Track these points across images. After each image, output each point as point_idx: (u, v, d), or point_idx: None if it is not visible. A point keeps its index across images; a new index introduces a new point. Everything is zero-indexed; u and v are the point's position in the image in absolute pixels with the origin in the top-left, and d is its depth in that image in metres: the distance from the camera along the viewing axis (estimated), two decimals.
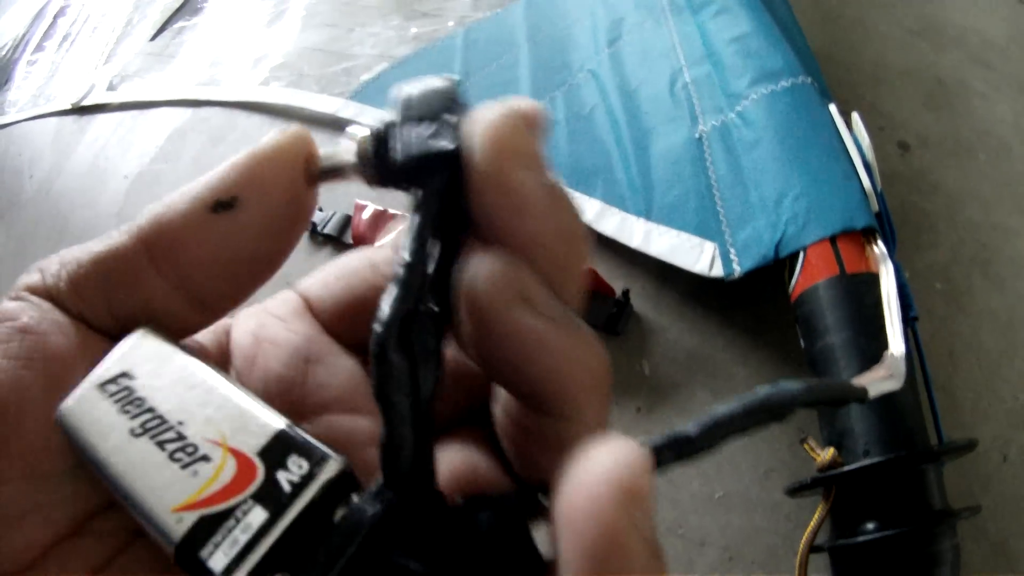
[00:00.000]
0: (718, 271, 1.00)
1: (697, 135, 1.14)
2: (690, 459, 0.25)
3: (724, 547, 0.92)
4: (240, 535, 0.22)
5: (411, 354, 0.23)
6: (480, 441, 0.29)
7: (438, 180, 0.24)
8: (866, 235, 0.90)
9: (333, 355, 0.32)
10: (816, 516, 0.80)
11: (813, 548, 0.80)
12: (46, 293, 0.26)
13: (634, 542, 0.20)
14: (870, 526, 0.77)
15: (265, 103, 1.76)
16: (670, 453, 0.24)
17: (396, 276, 0.24)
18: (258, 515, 0.22)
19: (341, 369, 0.30)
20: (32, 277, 0.27)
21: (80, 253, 0.26)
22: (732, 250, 1.00)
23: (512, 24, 1.62)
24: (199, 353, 0.27)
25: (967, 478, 0.92)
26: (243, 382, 0.30)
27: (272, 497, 0.23)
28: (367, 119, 0.25)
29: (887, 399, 0.81)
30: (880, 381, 0.34)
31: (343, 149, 0.27)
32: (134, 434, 0.24)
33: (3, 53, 2.73)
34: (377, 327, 0.23)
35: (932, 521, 0.75)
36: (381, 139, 0.26)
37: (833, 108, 1.03)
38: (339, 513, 0.23)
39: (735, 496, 0.95)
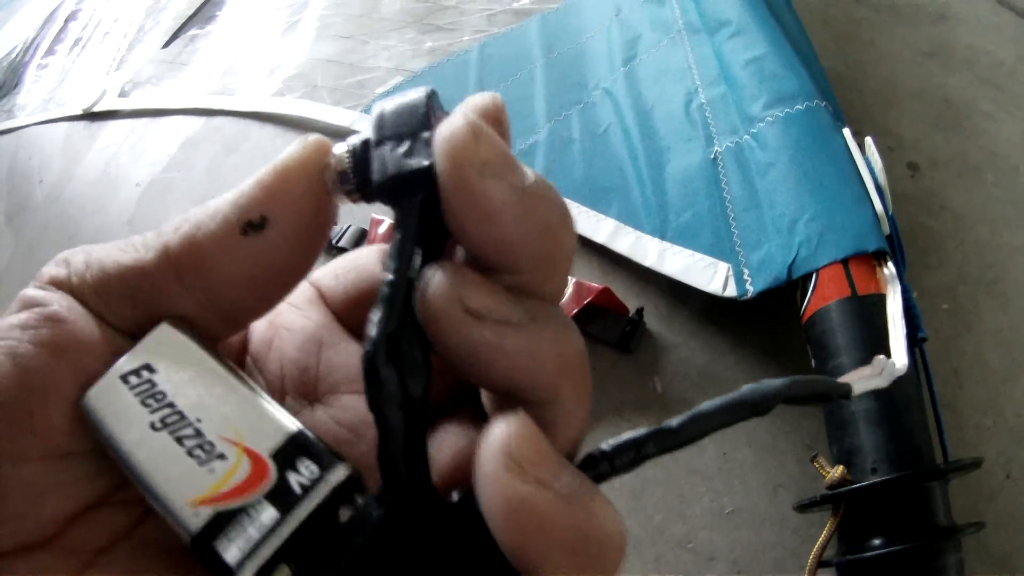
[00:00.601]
0: (731, 291, 1.01)
1: (712, 156, 1.15)
2: (674, 450, 0.27)
3: (733, 561, 0.93)
4: (253, 531, 0.23)
5: (400, 367, 0.25)
6: (477, 420, 0.31)
7: (414, 197, 0.26)
8: (877, 257, 0.91)
9: (344, 340, 0.34)
10: (825, 532, 0.81)
11: (821, 563, 0.81)
12: (69, 290, 0.27)
13: (540, 500, 0.22)
14: (877, 542, 0.78)
15: (279, 114, 1.76)
16: (654, 445, 0.27)
17: (381, 295, 0.25)
18: (270, 514, 0.24)
19: (351, 353, 0.32)
20: (59, 271, 0.27)
21: (106, 260, 0.27)
22: (746, 271, 1.01)
23: (527, 40, 1.63)
24: (219, 348, 0.28)
25: (971, 494, 0.92)
26: (260, 365, 0.32)
27: (283, 497, 0.24)
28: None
29: (895, 419, 0.82)
30: (866, 379, 0.35)
31: (327, 169, 0.28)
32: (154, 428, 0.25)
33: (13, 56, 2.73)
34: (367, 346, 0.25)
35: (937, 537, 0.76)
36: (359, 158, 0.27)
37: (847, 132, 1.04)
38: (345, 514, 0.25)
39: (744, 511, 0.96)
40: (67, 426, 0.26)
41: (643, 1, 1.52)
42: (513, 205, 0.24)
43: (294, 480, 0.24)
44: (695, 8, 1.38)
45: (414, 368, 0.25)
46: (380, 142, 0.27)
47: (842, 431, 0.86)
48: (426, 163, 0.25)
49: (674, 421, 0.27)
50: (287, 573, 0.24)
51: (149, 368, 0.26)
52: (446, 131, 0.24)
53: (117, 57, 2.33)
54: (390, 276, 0.25)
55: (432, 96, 0.27)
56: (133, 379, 0.26)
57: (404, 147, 0.26)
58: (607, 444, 0.27)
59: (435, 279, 0.25)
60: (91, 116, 2.14)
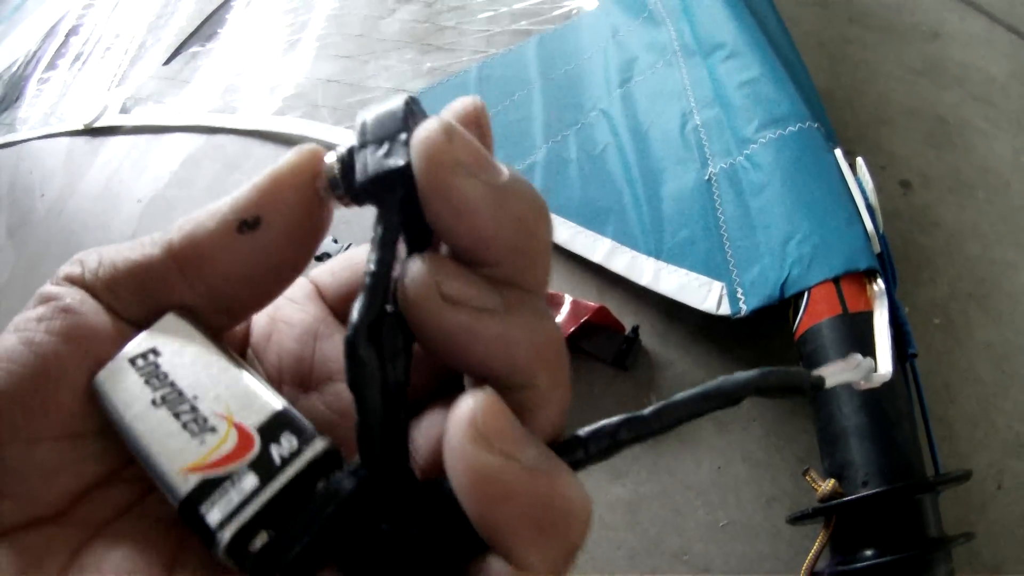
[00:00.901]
0: (725, 310, 1.02)
1: (707, 177, 1.16)
2: (646, 438, 0.28)
3: (728, 573, 0.94)
4: (234, 497, 0.25)
5: (380, 352, 0.27)
6: None
7: (394, 195, 0.27)
8: (868, 275, 0.92)
9: (339, 333, 0.36)
10: (817, 543, 0.83)
11: (813, 574, 0.83)
12: (83, 286, 0.29)
13: (505, 471, 0.24)
14: (868, 553, 0.79)
15: (280, 132, 1.77)
16: (627, 431, 0.28)
17: (363, 285, 0.27)
18: (251, 481, 0.26)
19: None
20: (73, 268, 0.30)
21: (116, 257, 0.30)
22: (739, 289, 1.02)
23: (525, 61, 1.64)
24: (220, 336, 0.30)
25: (963, 505, 0.93)
26: (260, 356, 0.34)
27: (264, 467, 0.26)
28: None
29: (886, 433, 0.83)
30: (839, 372, 0.36)
31: (319, 176, 0.29)
32: (155, 404, 0.27)
33: (15, 69, 2.73)
34: (348, 331, 0.26)
35: (927, 548, 0.78)
36: (346, 164, 0.28)
37: (838, 152, 1.05)
38: (320, 486, 0.26)
39: (739, 524, 0.97)
40: (78, 408, 0.28)
41: (639, 23, 1.53)
42: (487, 201, 0.26)
43: (275, 452, 0.26)
44: (690, 31, 1.39)
45: (394, 353, 0.27)
46: (363, 147, 0.28)
47: (834, 445, 0.87)
48: (402, 162, 0.27)
49: (647, 409, 0.28)
50: (264, 539, 0.25)
51: (155, 352, 0.28)
52: (422, 133, 0.26)
53: (118, 73, 2.34)
54: (372, 267, 0.27)
55: (411, 102, 0.29)
56: (140, 361, 0.28)
57: (383, 149, 0.27)
58: (582, 431, 0.28)
59: (414, 267, 0.27)
60: (92, 131, 2.14)
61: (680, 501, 1.00)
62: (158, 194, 1.82)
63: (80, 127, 2.16)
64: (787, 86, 1.16)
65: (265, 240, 0.29)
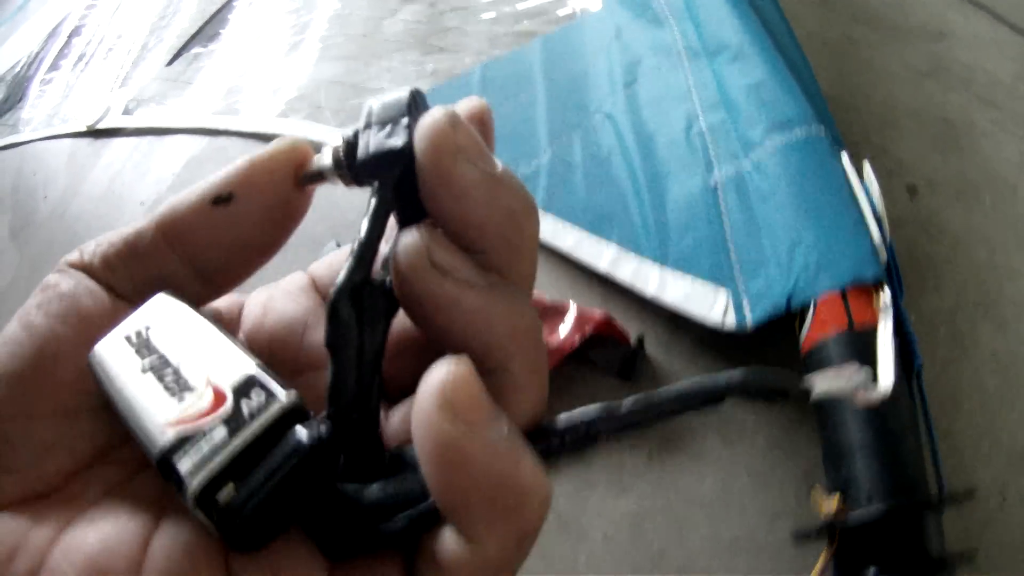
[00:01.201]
0: (731, 321, 1.01)
1: (712, 183, 1.15)
2: (622, 431, 0.29)
3: None
4: (205, 448, 0.26)
5: (360, 315, 0.28)
6: None
7: (391, 172, 0.29)
8: (874, 285, 0.92)
9: None
10: (820, 561, 0.82)
11: None
12: (82, 266, 0.31)
13: (466, 443, 0.25)
14: (871, 571, 0.79)
15: (283, 135, 1.74)
16: (603, 423, 0.29)
17: (352, 251, 0.28)
18: (220, 433, 0.27)
19: None
20: (73, 255, 0.32)
21: (113, 237, 0.32)
22: (745, 299, 1.01)
23: (529, 62, 1.64)
24: (208, 314, 0.32)
25: (967, 519, 0.92)
26: (250, 343, 0.35)
27: (234, 420, 0.27)
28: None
29: (890, 449, 0.83)
30: (830, 380, 0.35)
31: (323, 156, 0.31)
32: (143, 371, 0.29)
33: (17, 70, 2.73)
34: (332, 291, 0.28)
35: (930, 568, 0.77)
36: (351, 145, 0.30)
37: (845, 157, 1.04)
38: (285, 440, 0.27)
39: (743, 540, 0.96)
40: (75, 384, 0.30)
41: (643, 24, 1.53)
42: (482, 188, 0.28)
43: (245, 407, 0.27)
44: (695, 32, 1.38)
45: (374, 319, 0.29)
46: (367, 129, 0.30)
47: (838, 461, 0.86)
48: (401, 143, 0.28)
49: (625, 402, 0.29)
50: (231, 489, 0.26)
51: (146, 327, 0.30)
52: (428, 118, 0.28)
53: (121, 74, 2.34)
54: (361, 236, 0.29)
55: (416, 94, 0.31)
56: (132, 337, 0.30)
57: (386, 131, 0.29)
58: (558, 419, 0.29)
59: (409, 235, 0.28)
60: (95, 133, 2.15)
61: (684, 516, 0.99)
62: (161, 196, 1.82)
63: (83, 128, 2.17)
64: (792, 88, 1.16)
65: (237, 214, 0.31)
